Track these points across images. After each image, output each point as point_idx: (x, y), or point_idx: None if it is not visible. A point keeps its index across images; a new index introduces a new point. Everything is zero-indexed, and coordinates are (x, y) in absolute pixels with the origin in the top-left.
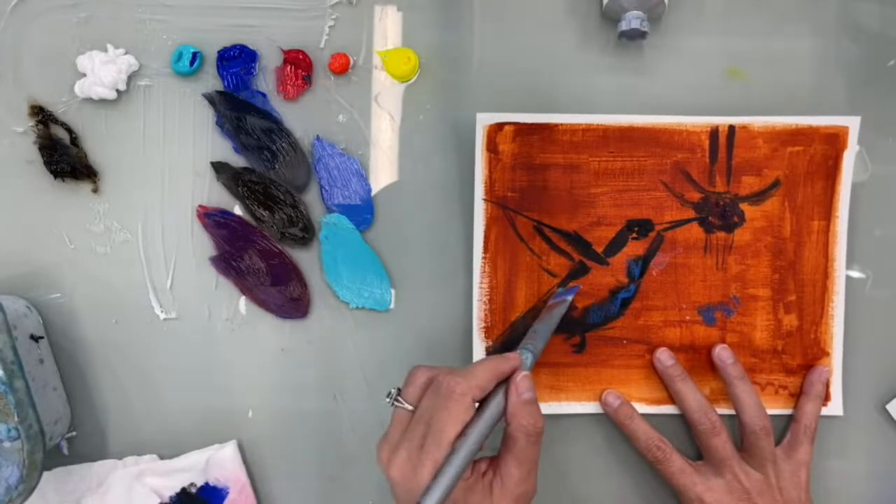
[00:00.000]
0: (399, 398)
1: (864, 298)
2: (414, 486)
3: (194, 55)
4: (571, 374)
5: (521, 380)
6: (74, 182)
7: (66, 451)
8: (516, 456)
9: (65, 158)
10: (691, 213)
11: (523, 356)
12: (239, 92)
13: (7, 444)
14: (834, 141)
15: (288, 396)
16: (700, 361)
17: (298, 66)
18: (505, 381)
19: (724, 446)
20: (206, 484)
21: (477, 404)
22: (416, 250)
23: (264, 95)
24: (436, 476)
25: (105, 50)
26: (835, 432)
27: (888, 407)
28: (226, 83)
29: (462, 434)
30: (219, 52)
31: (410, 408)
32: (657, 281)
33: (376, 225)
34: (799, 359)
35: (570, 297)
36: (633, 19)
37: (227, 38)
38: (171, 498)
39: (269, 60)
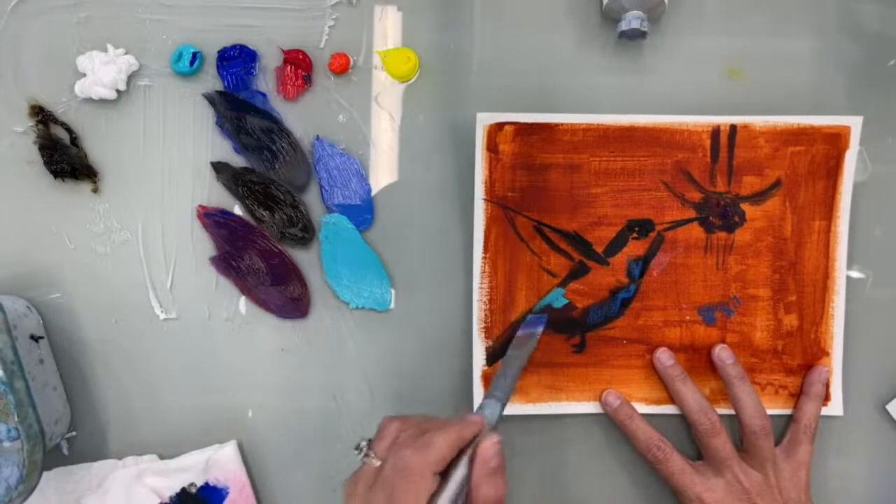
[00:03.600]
0: (370, 452)
1: (864, 298)
2: None
3: (194, 55)
4: (571, 374)
5: (487, 447)
6: (74, 182)
7: (66, 451)
8: None
9: (65, 158)
10: (692, 213)
11: (487, 410)
12: (239, 92)
13: (7, 444)
14: (835, 141)
15: (288, 396)
16: (700, 361)
17: (298, 66)
18: (469, 445)
19: (723, 446)
20: (206, 484)
21: (439, 476)
22: (416, 250)
23: (264, 95)
24: None
25: (105, 50)
26: (835, 432)
27: (888, 407)
28: (226, 83)
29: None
30: (219, 52)
31: (377, 463)
32: (657, 281)
33: (376, 225)
34: (799, 359)
35: (539, 330)
36: (633, 19)
37: (227, 38)
38: (171, 498)
39: (269, 60)
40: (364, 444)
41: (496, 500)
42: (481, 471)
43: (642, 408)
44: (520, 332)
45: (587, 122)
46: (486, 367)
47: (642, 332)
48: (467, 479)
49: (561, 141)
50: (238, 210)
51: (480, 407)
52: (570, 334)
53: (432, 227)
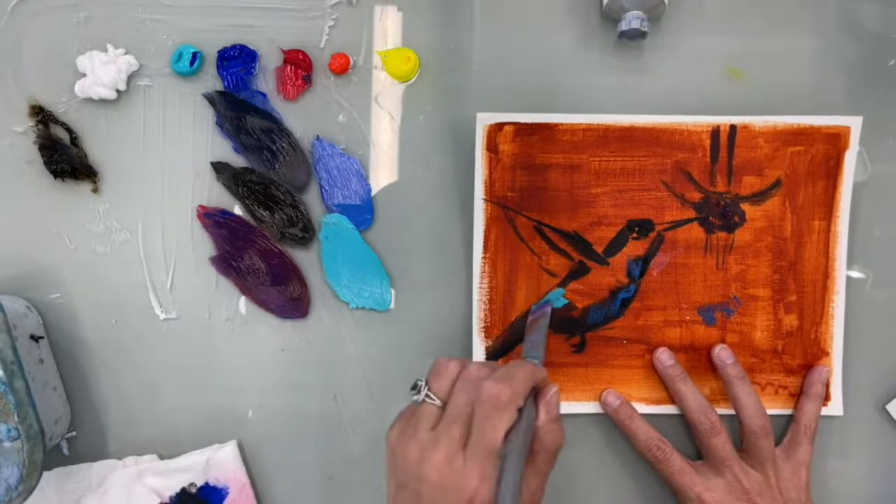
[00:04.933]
0: (430, 392)
1: (864, 298)
2: (459, 488)
3: (194, 55)
4: (571, 374)
5: (552, 396)
6: (74, 182)
7: (66, 451)
8: (535, 469)
9: (65, 158)
10: (692, 213)
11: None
12: (239, 92)
13: (7, 444)
14: (835, 141)
15: (288, 396)
16: (700, 361)
17: (298, 66)
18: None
19: (723, 446)
20: (206, 484)
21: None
22: (416, 250)
23: (264, 95)
24: (499, 490)
25: (105, 50)
26: (835, 432)
27: (888, 407)
28: (226, 83)
29: (505, 441)
30: (219, 52)
31: (440, 403)
32: (657, 281)
33: (376, 225)
34: (799, 359)
35: (548, 309)
36: (633, 19)
37: (227, 38)
38: (171, 498)
39: (269, 60)
40: (422, 382)
41: (557, 446)
42: (547, 417)
43: (642, 408)
44: (531, 317)
45: (587, 122)
46: None
47: (642, 332)
48: (532, 423)
49: (561, 141)
50: (238, 210)
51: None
52: (570, 334)
53: (432, 227)
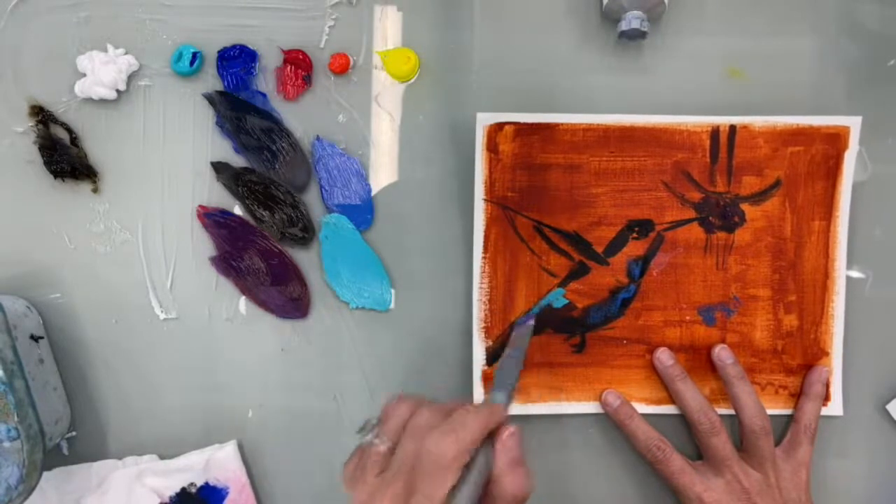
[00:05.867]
0: (380, 433)
1: (864, 298)
2: None
3: (194, 55)
4: (571, 374)
5: (508, 438)
6: (74, 182)
7: (66, 451)
8: None
9: (65, 158)
10: (692, 213)
11: (498, 400)
12: (239, 92)
13: (7, 444)
14: (835, 141)
15: (288, 396)
16: (700, 361)
17: (298, 66)
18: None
19: (723, 446)
20: (206, 484)
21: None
22: (416, 250)
23: (264, 95)
24: None
25: (105, 50)
26: (835, 432)
27: (888, 407)
28: (226, 83)
29: (450, 494)
30: (219, 52)
31: (389, 445)
32: (657, 281)
33: (376, 225)
34: (799, 359)
35: (531, 322)
36: (633, 19)
37: (227, 38)
38: (170, 498)
39: (269, 60)
40: (372, 422)
41: (521, 494)
42: (504, 461)
43: (642, 408)
44: (515, 332)
45: (587, 122)
46: (486, 367)
47: (642, 332)
48: (487, 470)
49: (561, 141)
50: (238, 210)
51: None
52: (570, 334)
53: (432, 227)
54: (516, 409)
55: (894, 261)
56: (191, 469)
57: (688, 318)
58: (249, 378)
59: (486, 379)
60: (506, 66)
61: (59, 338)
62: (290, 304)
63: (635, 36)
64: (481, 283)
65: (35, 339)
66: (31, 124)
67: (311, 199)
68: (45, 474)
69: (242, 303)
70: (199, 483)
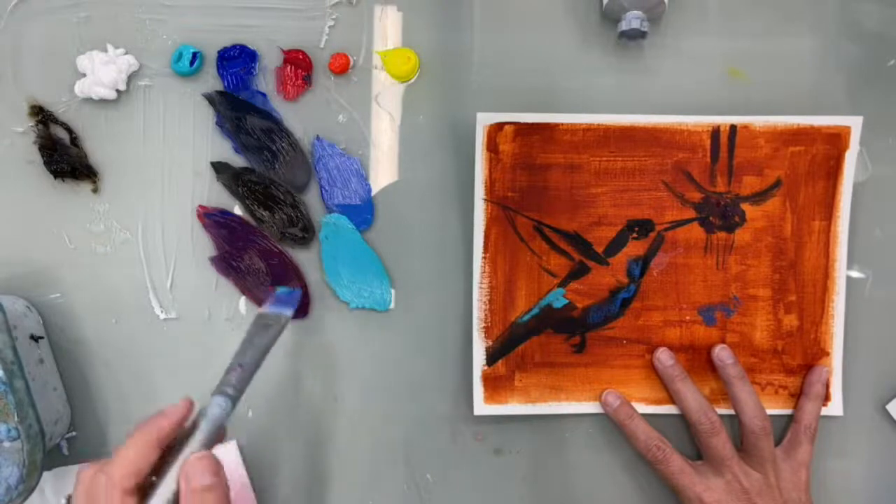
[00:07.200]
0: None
1: (864, 298)
2: None
3: (194, 55)
4: (571, 374)
5: (191, 462)
6: (74, 182)
7: (66, 451)
8: None
9: (65, 158)
10: (692, 213)
11: (211, 411)
12: (239, 92)
13: (7, 444)
14: (835, 141)
15: (288, 396)
16: (700, 361)
17: (298, 66)
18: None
19: (723, 446)
20: None
21: (137, 495)
22: (416, 250)
23: (264, 95)
24: None
25: (105, 50)
26: (835, 432)
27: (888, 407)
28: (226, 83)
29: None
30: (219, 52)
31: None
32: (657, 281)
33: (376, 225)
34: (799, 359)
35: (289, 312)
36: (633, 19)
37: (227, 38)
38: None
39: (269, 60)
40: (63, 500)
41: None
42: (185, 490)
43: (642, 408)
44: (266, 309)
45: (587, 122)
46: (486, 367)
47: (642, 332)
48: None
49: (561, 141)
50: (238, 210)
51: (201, 412)
52: (570, 334)
53: (432, 227)
54: (517, 408)
55: (894, 261)
56: None
57: (688, 318)
58: None
59: (486, 379)
60: (506, 66)
61: (59, 338)
62: None
63: (635, 36)
64: (481, 283)
65: (35, 339)
66: (31, 124)
67: (311, 199)
68: (45, 474)
69: (242, 303)
70: None
